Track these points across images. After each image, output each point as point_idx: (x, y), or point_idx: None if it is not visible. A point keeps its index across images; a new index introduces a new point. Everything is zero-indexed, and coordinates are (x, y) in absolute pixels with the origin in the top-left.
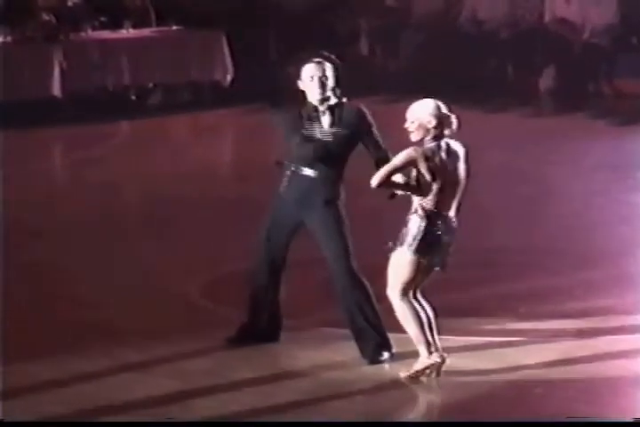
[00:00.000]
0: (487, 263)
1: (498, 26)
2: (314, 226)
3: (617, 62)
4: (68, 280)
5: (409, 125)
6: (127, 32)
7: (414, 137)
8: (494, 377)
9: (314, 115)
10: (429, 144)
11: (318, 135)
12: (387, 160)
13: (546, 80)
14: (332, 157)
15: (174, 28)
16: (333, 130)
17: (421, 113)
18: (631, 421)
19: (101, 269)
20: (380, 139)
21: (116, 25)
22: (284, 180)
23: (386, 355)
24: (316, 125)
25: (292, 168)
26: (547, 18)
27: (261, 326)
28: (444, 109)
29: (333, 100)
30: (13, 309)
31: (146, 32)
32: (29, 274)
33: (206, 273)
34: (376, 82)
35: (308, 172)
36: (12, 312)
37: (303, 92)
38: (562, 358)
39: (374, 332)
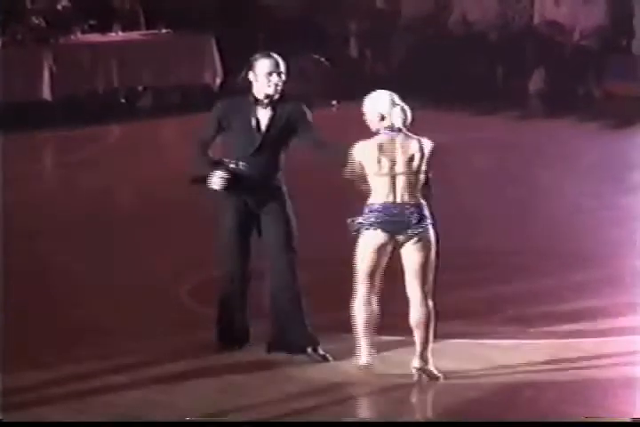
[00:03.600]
0: (477, 265)
1: (487, 28)
2: (263, 216)
3: (606, 64)
4: (60, 282)
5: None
6: (117, 35)
7: (370, 128)
8: (484, 380)
9: (255, 107)
10: (382, 136)
11: (259, 127)
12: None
13: (535, 82)
14: (269, 150)
15: (164, 31)
16: (273, 123)
17: (368, 107)
18: (629, 421)
19: (92, 271)
20: (317, 134)
21: (105, 28)
22: (224, 178)
23: (309, 350)
24: (255, 118)
25: (232, 165)
26: (536, 20)
27: (237, 328)
28: (393, 103)
29: (277, 96)
30: (10, 309)
31: (135, 35)
32: (23, 275)
33: (197, 275)
34: (366, 84)
35: (248, 165)
36: (9, 313)
37: (250, 82)
38: (552, 359)
39: (297, 324)
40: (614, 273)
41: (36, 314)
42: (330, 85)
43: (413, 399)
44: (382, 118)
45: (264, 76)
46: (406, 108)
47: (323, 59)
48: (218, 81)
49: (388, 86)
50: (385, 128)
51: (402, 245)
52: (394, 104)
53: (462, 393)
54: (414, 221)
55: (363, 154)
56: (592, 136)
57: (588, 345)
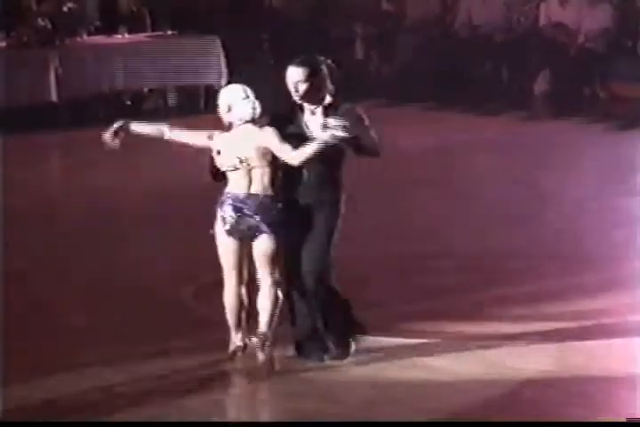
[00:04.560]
0: (480, 268)
1: (493, 30)
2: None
3: (612, 66)
4: (63, 284)
5: None
6: (122, 37)
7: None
8: (487, 381)
9: (301, 115)
10: (232, 129)
11: (310, 135)
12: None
13: (541, 84)
14: (325, 158)
15: (169, 32)
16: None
17: (219, 99)
18: (624, 421)
19: (96, 272)
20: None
21: (111, 30)
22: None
23: (326, 358)
24: (305, 125)
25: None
26: (542, 22)
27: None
28: (243, 96)
29: (328, 100)
30: (10, 311)
31: (141, 37)
32: (26, 276)
33: (201, 277)
34: (371, 86)
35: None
36: (9, 314)
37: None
38: (555, 361)
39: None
40: (617, 275)
41: (37, 315)
42: (335, 87)
43: (415, 400)
44: (229, 110)
45: (292, 85)
46: (256, 102)
47: (328, 60)
48: (223, 82)
49: (394, 88)
50: (235, 121)
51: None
52: (243, 97)
53: (466, 394)
54: (263, 213)
55: (217, 145)
56: (597, 137)
57: (591, 346)
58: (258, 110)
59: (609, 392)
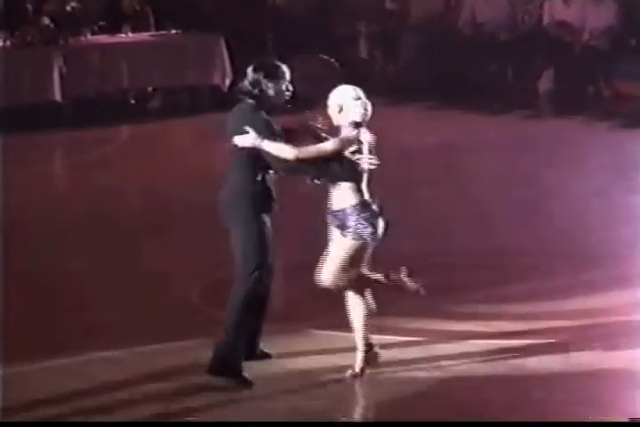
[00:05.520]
0: (487, 266)
1: (497, 28)
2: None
3: (616, 64)
4: (68, 283)
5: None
6: (126, 36)
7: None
8: (491, 380)
9: None
10: (350, 131)
11: None
12: None
13: (545, 82)
14: None
15: (173, 32)
16: None
17: (330, 100)
18: (626, 421)
19: (101, 272)
20: None
21: (115, 29)
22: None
23: None
24: None
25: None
26: (546, 20)
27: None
28: (355, 97)
29: None
30: (13, 311)
31: (145, 36)
32: (29, 277)
33: (206, 277)
34: (375, 85)
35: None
36: (11, 314)
37: None
38: (561, 359)
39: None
40: (624, 273)
41: (40, 314)
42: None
43: (423, 397)
44: (340, 111)
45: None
46: (368, 103)
47: (332, 59)
48: (227, 81)
49: (398, 87)
50: (348, 123)
51: None
52: (355, 97)
53: (472, 393)
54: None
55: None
56: (601, 135)
57: (598, 344)
58: (369, 112)
59: (616, 391)
